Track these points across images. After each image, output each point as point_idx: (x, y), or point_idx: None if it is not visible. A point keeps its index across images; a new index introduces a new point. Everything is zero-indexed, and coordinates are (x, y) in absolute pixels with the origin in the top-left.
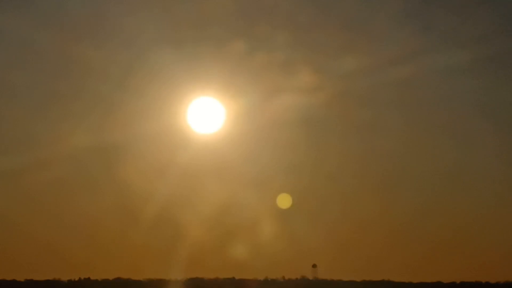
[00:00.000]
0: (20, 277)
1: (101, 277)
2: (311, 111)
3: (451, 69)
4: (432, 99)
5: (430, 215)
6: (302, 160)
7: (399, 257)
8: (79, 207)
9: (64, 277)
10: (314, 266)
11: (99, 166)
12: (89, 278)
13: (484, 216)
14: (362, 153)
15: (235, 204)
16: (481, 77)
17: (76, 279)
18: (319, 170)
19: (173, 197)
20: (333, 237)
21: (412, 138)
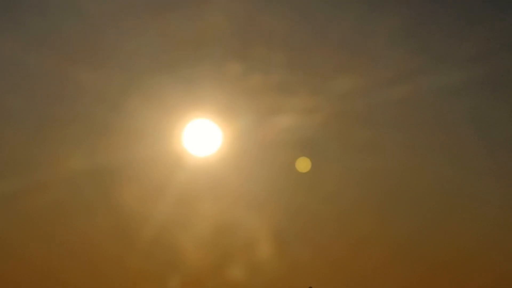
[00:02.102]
0: None
1: None
2: (308, 132)
3: (449, 88)
4: (431, 119)
5: (428, 236)
6: (300, 181)
7: (397, 278)
8: (75, 231)
9: None
10: None
11: (95, 189)
12: None
13: (483, 237)
14: (360, 173)
15: (232, 226)
16: (480, 96)
17: None
18: (317, 191)
19: (170, 220)
20: (331, 259)
21: (410, 158)
